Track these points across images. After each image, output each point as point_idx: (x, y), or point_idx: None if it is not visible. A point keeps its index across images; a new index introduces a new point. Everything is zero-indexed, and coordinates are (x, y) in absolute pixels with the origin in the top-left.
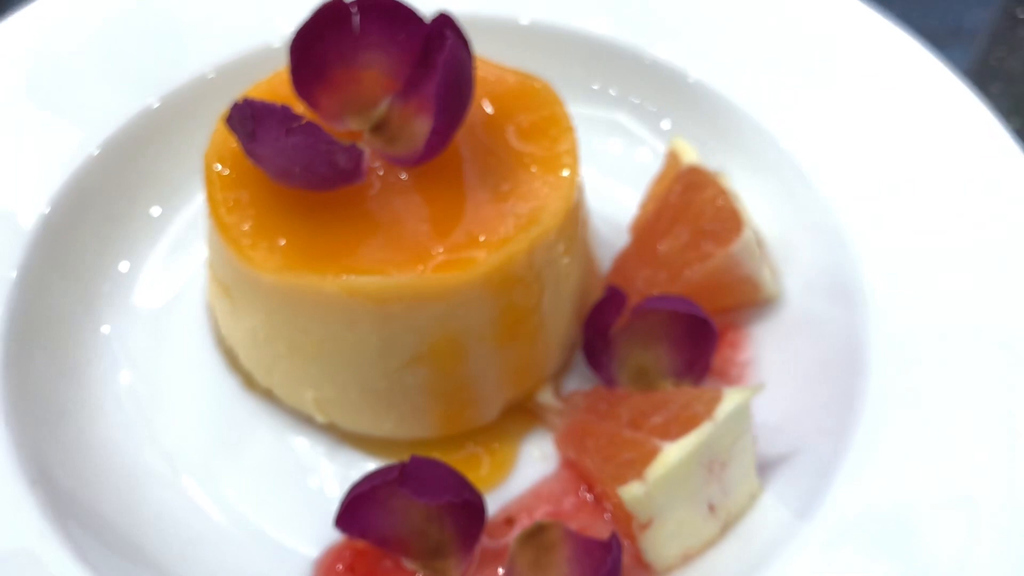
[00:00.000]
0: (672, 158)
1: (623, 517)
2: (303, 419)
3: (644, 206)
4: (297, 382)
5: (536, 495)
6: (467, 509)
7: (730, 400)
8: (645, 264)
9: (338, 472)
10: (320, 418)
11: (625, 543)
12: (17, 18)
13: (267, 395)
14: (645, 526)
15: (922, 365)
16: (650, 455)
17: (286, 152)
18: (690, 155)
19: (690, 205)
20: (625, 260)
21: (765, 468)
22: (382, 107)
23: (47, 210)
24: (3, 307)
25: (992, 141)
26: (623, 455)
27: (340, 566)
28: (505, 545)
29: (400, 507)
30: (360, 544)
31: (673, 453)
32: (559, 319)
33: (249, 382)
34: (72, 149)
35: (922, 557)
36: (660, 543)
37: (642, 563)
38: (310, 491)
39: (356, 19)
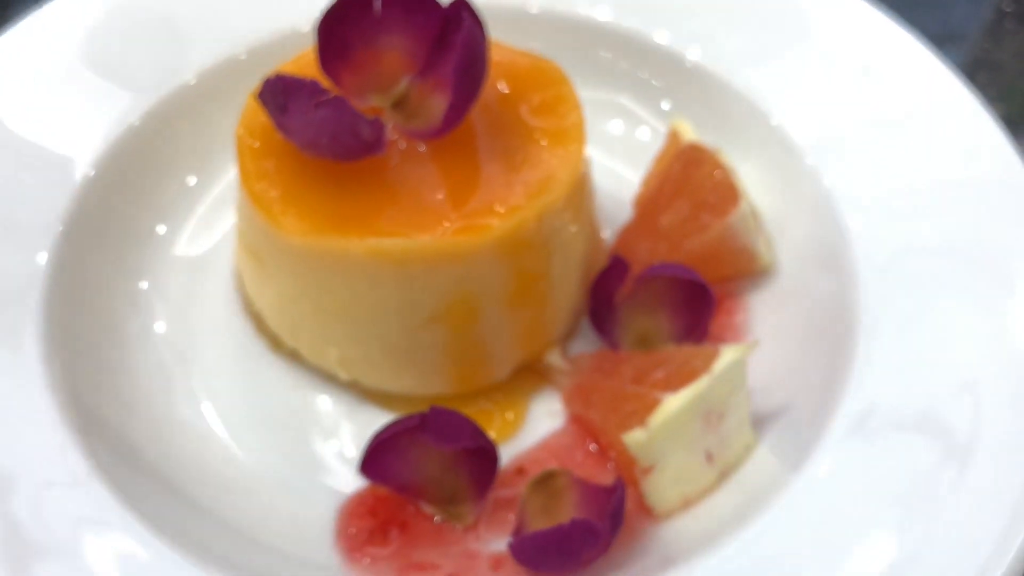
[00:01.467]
0: (673, 137)
1: (626, 464)
2: (326, 378)
3: (646, 182)
4: (322, 341)
5: (545, 448)
6: (482, 456)
7: (726, 356)
8: (647, 236)
9: (360, 425)
10: (343, 375)
11: (628, 489)
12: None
13: (292, 356)
14: (647, 471)
15: (908, 328)
16: (652, 406)
17: (314, 124)
18: (690, 134)
19: (690, 180)
20: (629, 233)
21: (760, 423)
22: (403, 84)
23: (92, 172)
24: (49, 259)
25: (976, 123)
26: (626, 407)
27: (363, 510)
28: (516, 494)
29: (420, 455)
30: (382, 490)
31: (673, 403)
32: (566, 285)
33: (275, 344)
34: (115, 119)
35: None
36: (661, 488)
37: (644, 508)
38: (334, 443)
39: (378, 3)
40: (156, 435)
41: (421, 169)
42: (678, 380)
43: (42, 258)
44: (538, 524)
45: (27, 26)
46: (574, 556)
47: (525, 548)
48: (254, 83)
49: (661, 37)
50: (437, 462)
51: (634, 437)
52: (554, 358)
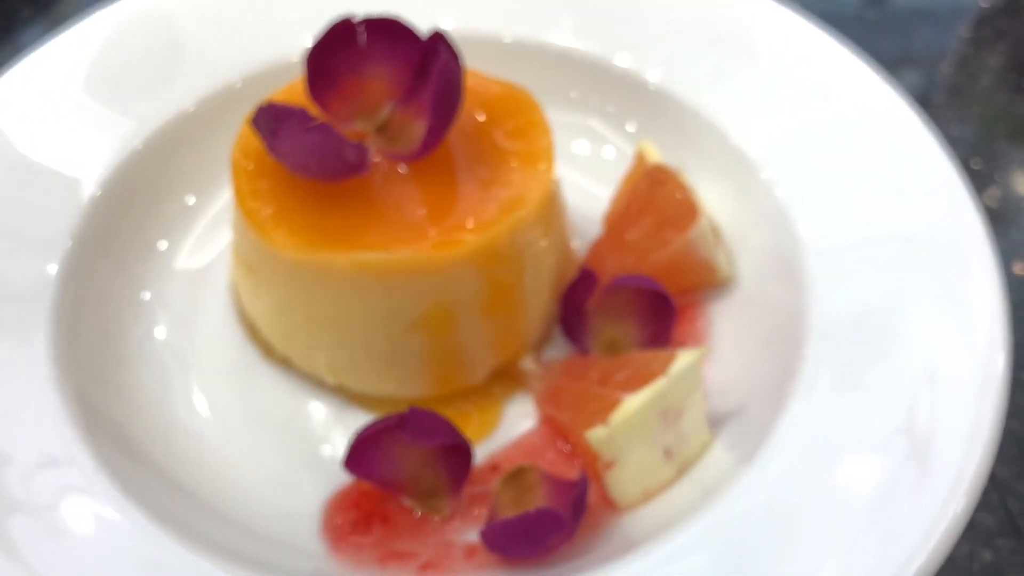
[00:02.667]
0: (640, 158)
1: (591, 460)
2: (315, 383)
3: (615, 200)
4: (311, 348)
5: (518, 447)
6: (457, 452)
7: (682, 359)
8: (615, 250)
9: (347, 426)
10: (331, 380)
11: (593, 484)
12: (80, 28)
13: (284, 363)
14: (609, 466)
15: (856, 335)
16: (613, 405)
17: (303, 148)
18: (655, 155)
19: (654, 198)
20: (598, 247)
21: (717, 422)
22: (385, 111)
23: (98, 192)
24: (59, 270)
25: (922, 145)
26: (591, 406)
27: (348, 503)
28: (491, 490)
29: (400, 451)
30: (366, 485)
31: (632, 403)
32: (538, 295)
33: (268, 351)
34: (119, 144)
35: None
36: (623, 482)
37: (608, 501)
38: (322, 443)
39: (363, 36)
40: (155, 432)
41: (402, 188)
42: (638, 381)
43: (52, 269)
44: (509, 515)
45: (35, 59)
46: (540, 542)
47: (495, 535)
48: (248, 110)
49: (625, 63)
50: (416, 458)
51: (596, 434)
52: (528, 363)
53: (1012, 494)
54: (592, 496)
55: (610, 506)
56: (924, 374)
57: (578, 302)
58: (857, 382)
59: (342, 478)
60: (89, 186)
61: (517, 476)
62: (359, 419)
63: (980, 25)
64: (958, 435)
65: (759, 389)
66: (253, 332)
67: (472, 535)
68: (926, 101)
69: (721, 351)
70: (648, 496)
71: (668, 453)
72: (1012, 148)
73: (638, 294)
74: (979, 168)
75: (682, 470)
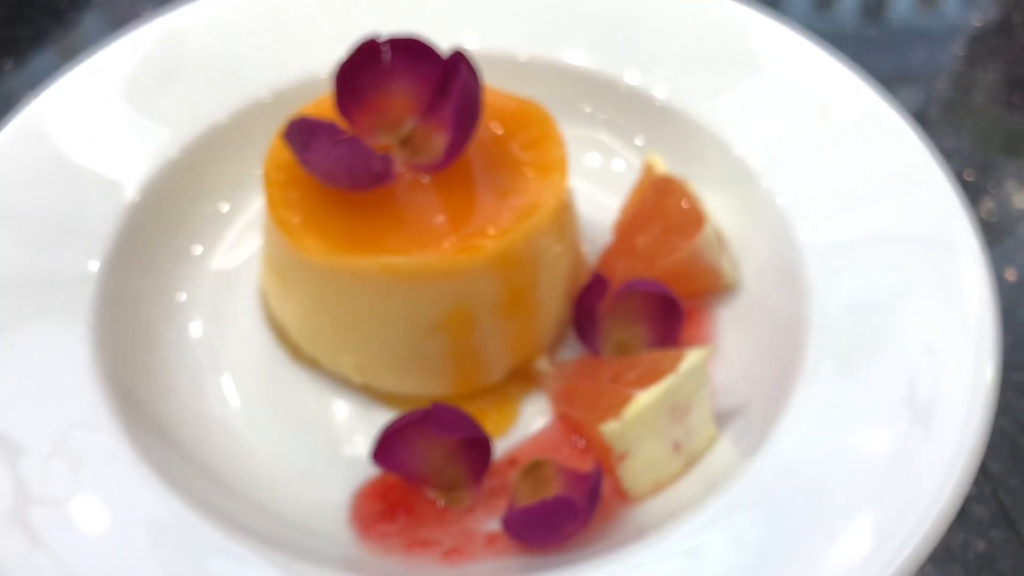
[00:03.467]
0: (648, 169)
1: (604, 453)
2: (342, 382)
3: (624, 210)
4: (338, 349)
5: (534, 443)
6: (477, 446)
7: (690, 358)
8: (625, 256)
9: (372, 423)
10: (357, 380)
11: (606, 476)
12: (121, 44)
13: (312, 363)
14: (621, 458)
15: (855, 331)
16: (625, 400)
17: (332, 160)
18: (662, 166)
19: (661, 207)
20: (609, 254)
21: (723, 419)
22: (409, 125)
23: (138, 198)
24: (100, 270)
25: (918, 157)
26: (603, 403)
27: (375, 495)
28: (509, 483)
29: (424, 445)
30: (391, 477)
31: (643, 398)
32: (552, 298)
33: (296, 353)
34: (158, 153)
35: (849, 478)
36: (634, 474)
37: (620, 493)
38: (348, 439)
39: (388, 55)
40: (190, 425)
41: (424, 197)
42: (648, 379)
43: (93, 268)
44: (527, 504)
45: (81, 72)
46: (557, 529)
47: (515, 522)
48: (278, 123)
49: (633, 80)
50: (439, 451)
51: (609, 428)
52: (543, 364)
53: (1004, 488)
54: (605, 488)
55: (622, 497)
56: (922, 357)
57: (590, 306)
58: (857, 369)
59: (368, 471)
60: (129, 192)
61: (534, 468)
62: (383, 416)
63: (974, 43)
64: (957, 405)
65: (762, 387)
66: (282, 335)
67: (492, 524)
68: (922, 116)
69: (726, 351)
70: (658, 487)
71: (677, 447)
72: (1005, 161)
73: (647, 298)
74: (973, 180)
75: (690, 463)
